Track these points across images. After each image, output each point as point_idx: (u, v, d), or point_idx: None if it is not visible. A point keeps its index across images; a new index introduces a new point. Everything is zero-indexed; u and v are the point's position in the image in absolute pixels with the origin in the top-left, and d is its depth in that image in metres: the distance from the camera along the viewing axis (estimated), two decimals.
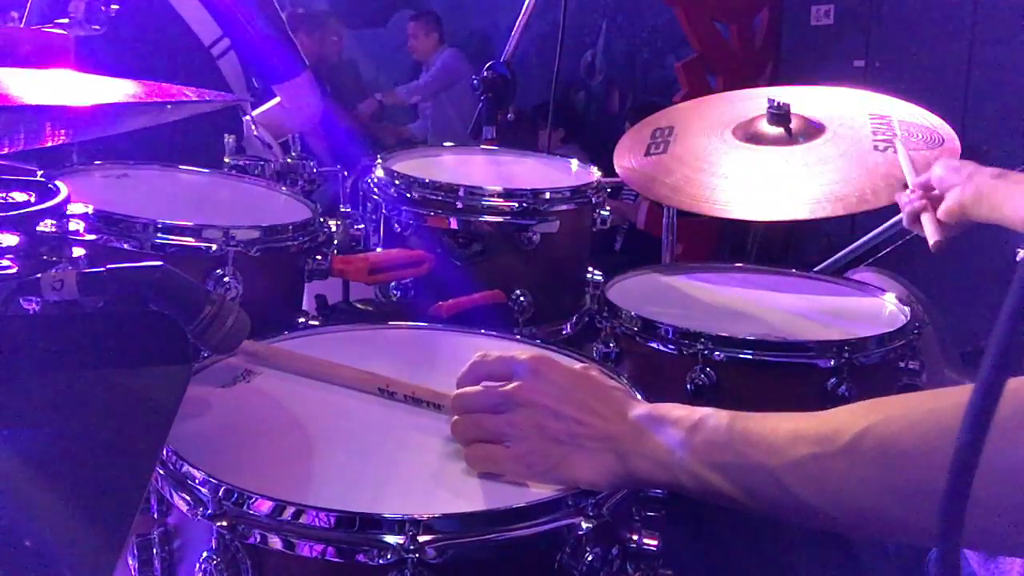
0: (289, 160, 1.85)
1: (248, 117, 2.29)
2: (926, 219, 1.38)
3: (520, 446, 0.92)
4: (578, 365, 1.04)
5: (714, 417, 0.89)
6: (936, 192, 1.40)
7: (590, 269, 1.90)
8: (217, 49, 2.39)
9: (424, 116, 7.11)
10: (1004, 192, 1.26)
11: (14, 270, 1.04)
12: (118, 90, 0.99)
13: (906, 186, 1.46)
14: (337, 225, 1.67)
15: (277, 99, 2.59)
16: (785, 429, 0.83)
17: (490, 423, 0.95)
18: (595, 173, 1.93)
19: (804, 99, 1.95)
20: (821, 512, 0.81)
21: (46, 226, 1.14)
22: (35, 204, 1.17)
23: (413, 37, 6.99)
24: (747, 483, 0.84)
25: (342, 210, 1.85)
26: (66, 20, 1.89)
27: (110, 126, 1.25)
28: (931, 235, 1.36)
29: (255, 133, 2.21)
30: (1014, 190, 1.25)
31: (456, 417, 0.99)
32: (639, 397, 1.03)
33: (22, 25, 2.28)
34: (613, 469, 0.91)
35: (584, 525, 0.90)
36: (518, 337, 1.37)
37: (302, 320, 1.51)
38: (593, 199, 1.82)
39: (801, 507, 0.81)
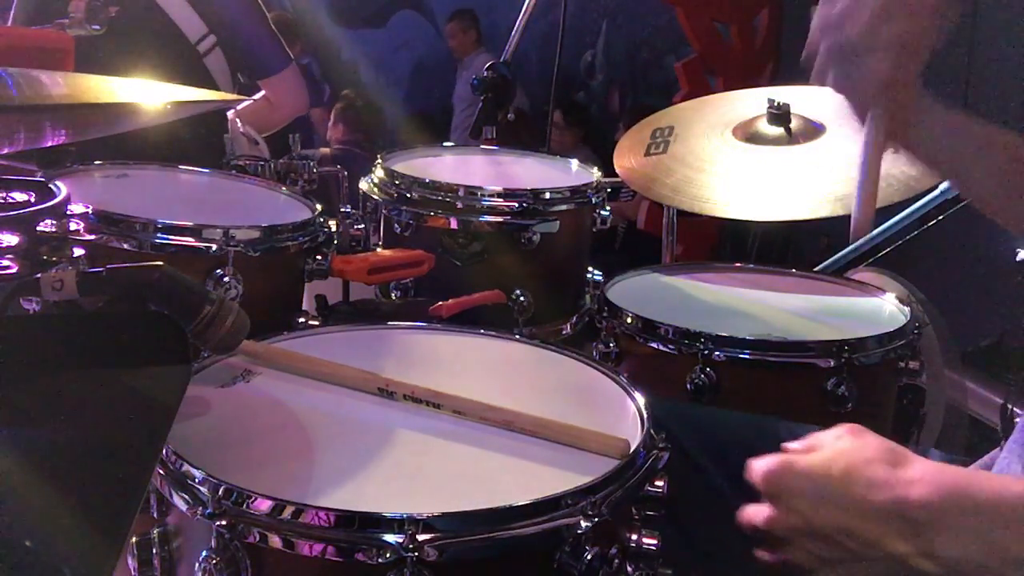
0: (289, 160, 1.84)
1: (232, 114, 2.29)
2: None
3: None
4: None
5: None
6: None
7: (590, 269, 1.90)
8: (203, 46, 2.39)
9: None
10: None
11: (14, 270, 1.04)
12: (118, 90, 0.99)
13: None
14: (337, 225, 1.67)
15: (260, 93, 2.60)
16: None
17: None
18: (595, 173, 1.93)
19: (804, 99, 1.95)
20: None
21: (46, 226, 1.14)
22: (35, 204, 1.17)
23: (451, 37, 6.90)
24: None
25: (342, 210, 1.85)
26: (66, 20, 1.89)
27: (110, 126, 1.26)
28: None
29: (240, 130, 2.21)
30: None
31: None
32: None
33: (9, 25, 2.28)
34: None
35: (583, 524, 0.90)
36: (518, 337, 1.37)
37: (302, 320, 1.51)
38: (593, 199, 1.82)
39: None
